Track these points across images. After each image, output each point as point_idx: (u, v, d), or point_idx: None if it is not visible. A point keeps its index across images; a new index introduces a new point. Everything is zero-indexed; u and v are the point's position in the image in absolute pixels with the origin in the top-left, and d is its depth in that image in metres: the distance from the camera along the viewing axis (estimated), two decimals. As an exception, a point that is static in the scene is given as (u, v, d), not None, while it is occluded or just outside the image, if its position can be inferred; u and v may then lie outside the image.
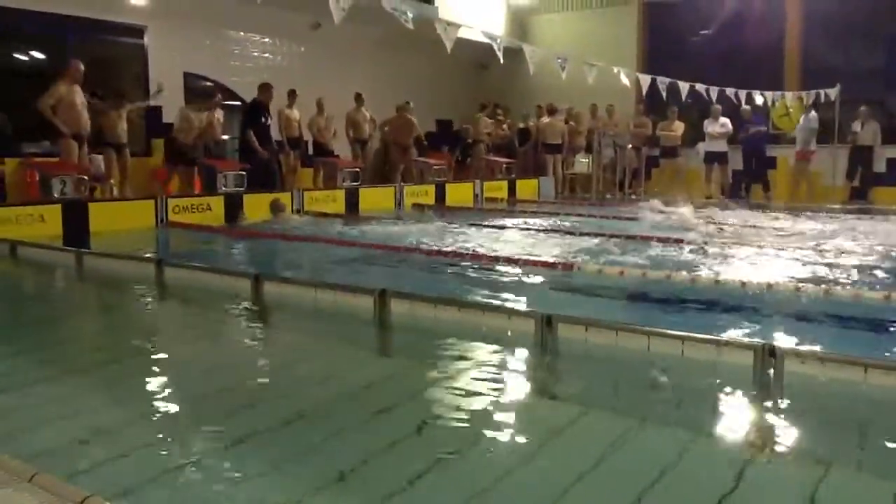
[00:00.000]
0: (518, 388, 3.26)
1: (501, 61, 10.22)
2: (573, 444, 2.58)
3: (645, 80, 12.34)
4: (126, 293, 5.47)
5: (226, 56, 12.67)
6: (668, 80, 12.37)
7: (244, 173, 10.17)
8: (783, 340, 3.69)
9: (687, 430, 2.73)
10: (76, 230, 8.07)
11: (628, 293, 5.25)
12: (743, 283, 5.02)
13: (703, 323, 4.24)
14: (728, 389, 3.09)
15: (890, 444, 2.61)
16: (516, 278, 5.69)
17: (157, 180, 10.96)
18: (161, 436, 2.58)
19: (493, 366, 3.46)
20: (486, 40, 10.15)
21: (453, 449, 2.47)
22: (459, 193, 12.99)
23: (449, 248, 6.94)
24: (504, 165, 14.38)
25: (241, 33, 12.90)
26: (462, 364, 3.55)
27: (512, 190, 13.93)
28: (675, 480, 2.25)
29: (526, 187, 14.23)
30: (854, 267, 5.99)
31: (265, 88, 10.88)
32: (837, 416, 2.94)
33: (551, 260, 6.14)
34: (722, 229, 8.55)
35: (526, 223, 9.49)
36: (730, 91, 13.09)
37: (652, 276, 5.37)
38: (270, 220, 9.31)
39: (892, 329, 4.14)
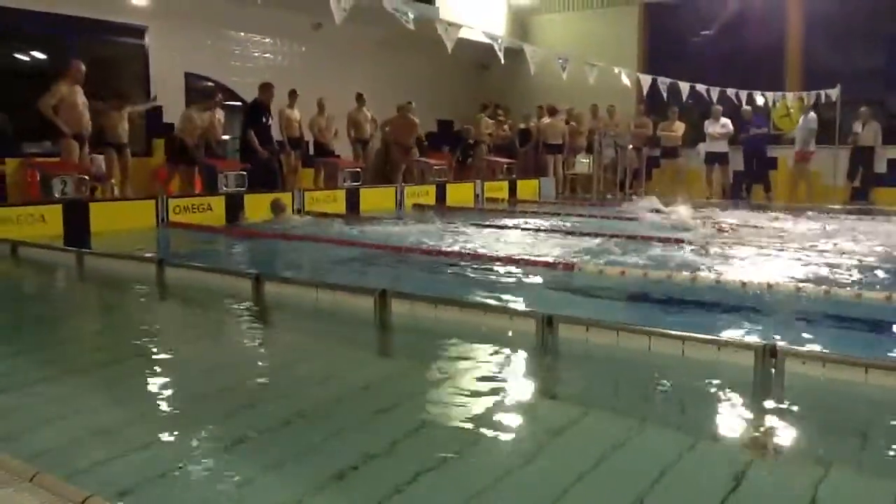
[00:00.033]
0: (519, 388, 3.26)
1: (502, 61, 10.22)
2: (574, 445, 2.58)
3: (646, 80, 12.34)
4: (127, 293, 5.47)
5: (227, 56, 12.68)
6: (668, 80, 12.37)
7: (245, 173, 10.18)
8: (784, 341, 3.68)
9: (687, 431, 2.73)
10: (77, 230, 8.07)
11: (629, 293, 5.25)
12: (743, 284, 5.01)
13: (704, 323, 4.24)
14: (729, 390, 3.09)
15: (890, 445, 2.61)
16: (517, 278, 5.69)
17: (158, 180, 10.96)
18: (161, 436, 2.58)
19: (494, 366, 3.46)
20: (486, 40, 10.16)
21: (453, 449, 2.46)
22: (460, 194, 12.99)
23: (449, 249, 6.94)
24: (505, 166, 14.38)
25: (242, 33, 12.91)
26: (462, 364, 3.56)
27: (513, 190, 13.93)
28: (676, 481, 2.25)
29: (527, 188, 14.23)
30: (855, 267, 5.99)
31: (266, 88, 10.88)
32: (838, 417, 2.94)
33: (552, 260, 6.14)
34: (722, 230, 8.54)
35: (527, 223, 9.49)
36: (731, 91, 13.09)
37: (653, 277, 5.37)
38: (271, 220, 9.31)
39: (892, 329, 4.13)
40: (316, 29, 13.11)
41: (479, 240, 7.84)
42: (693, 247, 7.02)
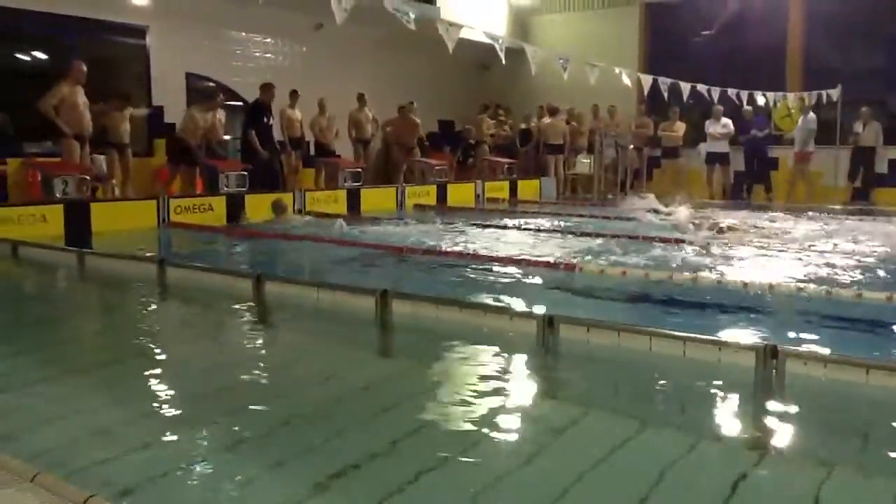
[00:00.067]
0: (519, 388, 3.26)
1: (503, 62, 10.21)
2: (574, 445, 2.58)
3: (646, 80, 12.33)
4: (127, 293, 5.48)
5: (228, 56, 12.68)
6: (669, 80, 12.36)
7: (246, 173, 10.18)
8: (785, 341, 3.67)
9: (688, 431, 2.73)
10: (78, 230, 8.07)
11: (630, 294, 5.25)
12: (745, 284, 5.01)
13: (705, 323, 4.24)
14: (729, 390, 3.09)
15: (891, 446, 2.61)
16: (518, 279, 5.69)
17: (160, 180, 10.96)
18: (161, 436, 2.58)
19: (495, 366, 3.46)
20: (487, 41, 10.15)
21: (454, 449, 2.46)
22: (461, 194, 13.00)
23: (450, 249, 6.94)
24: (505, 166, 14.38)
25: (243, 34, 12.91)
26: (463, 364, 3.56)
27: (513, 190, 13.93)
28: (677, 481, 2.24)
29: (527, 188, 14.23)
30: (856, 268, 5.98)
31: (267, 89, 10.89)
32: (839, 418, 2.93)
33: (553, 260, 6.14)
34: (721, 230, 8.53)
35: (527, 224, 9.49)
36: (731, 92, 13.08)
37: (654, 277, 5.37)
38: (272, 220, 9.32)
39: (893, 330, 4.13)
40: (317, 29, 13.12)
41: (480, 240, 7.83)
42: (694, 247, 7.01)
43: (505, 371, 3.41)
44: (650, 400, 3.09)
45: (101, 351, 3.99)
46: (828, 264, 6.13)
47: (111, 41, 11.53)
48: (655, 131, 14.90)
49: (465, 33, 9.23)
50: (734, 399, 3.05)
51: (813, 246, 7.22)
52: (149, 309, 5.06)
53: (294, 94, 11.98)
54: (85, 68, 9.12)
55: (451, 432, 2.65)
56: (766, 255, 6.72)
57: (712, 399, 3.05)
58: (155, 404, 3.00)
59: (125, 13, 11.22)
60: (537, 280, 5.60)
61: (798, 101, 13.77)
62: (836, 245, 7.34)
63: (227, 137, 11.85)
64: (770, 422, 2.83)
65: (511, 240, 8.02)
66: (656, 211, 10.50)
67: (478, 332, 3.89)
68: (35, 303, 5.52)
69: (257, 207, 9.64)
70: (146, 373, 3.42)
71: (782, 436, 2.72)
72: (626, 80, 12.35)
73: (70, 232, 8.00)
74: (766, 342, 3.26)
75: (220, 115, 11.03)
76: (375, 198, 11.55)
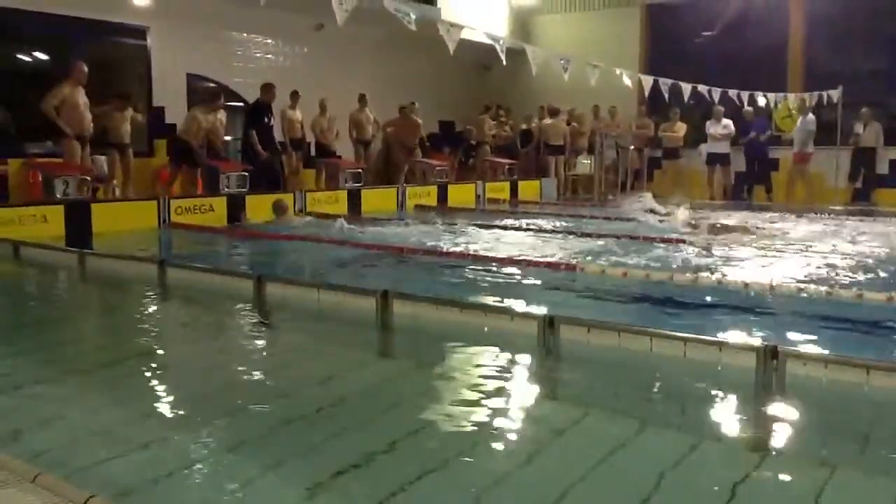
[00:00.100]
0: (520, 389, 3.26)
1: (504, 62, 10.21)
2: (575, 445, 2.58)
3: (647, 81, 12.32)
4: (128, 294, 5.48)
5: (228, 57, 12.68)
6: (670, 81, 12.34)
7: (246, 174, 10.18)
8: (785, 342, 3.68)
9: (689, 432, 2.73)
10: (79, 231, 8.07)
11: (631, 294, 5.24)
12: (745, 285, 5.01)
13: (706, 324, 4.24)
14: (730, 391, 3.09)
15: (892, 446, 2.61)
16: (518, 279, 5.69)
17: (160, 181, 10.97)
18: (161, 436, 2.58)
19: (495, 367, 3.46)
20: (488, 41, 10.15)
21: (455, 449, 2.46)
22: (461, 194, 12.99)
23: (451, 249, 6.94)
24: (506, 166, 14.38)
25: (244, 34, 12.92)
26: (464, 365, 3.56)
27: (514, 191, 13.92)
28: (677, 482, 2.24)
29: (528, 188, 14.23)
30: (856, 268, 5.98)
31: (268, 89, 10.88)
32: (839, 418, 2.93)
33: (554, 261, 6.14)
34: (720, 231, 8.52)
35: (528, 224, 9.49)
36: (732, 92, 13.05)
37: (655, 278, 5.36)
38: (273, 220, 9.32)
39: (894, 330, 4.13)
40: (318, 30, 13.12)
41: (481, 241, 7.83)
42: (695, 248, 7.01)
43: (505, 372, 3.41)
44: (651, 400, 3.09)
45: (102, 351, 3.99)
46: (828, 265, 6.13)
47: (112, 42, 11.55)
48: (656, 132, 14.91)
49: (465, 34, 9.23)
50: (735, 400, 3.05)
51: (813, 246, 7.22)
52: (149, 310, 5.07)
53: (295, 95, 11.98)
54: (86, 69, 9.12)
55: (452, 433, 2.65)
56: (766, 256, 6.71)
57: (713, 400, 3.05)
58: (155, 404, 3.00)
59: (126, 14, 11.22)
60: (538, 281, 5.60)
61: (799, 101, 13.76)
62: (836, 246, 7.33)
63: (227, 138, 11.85)
64: (770, 422, 2.83)
65: (512, 240, 8.02)
66: (653, 211, 10.48)
67: (478, 333, 3.89)
68: (36, 303, 5.52)
69: (258, 208, 9.64)
70: (147, 373, 3.42)
71: (783, 436, 2.72)
72: (627, 81, 12.34)
73: (71, 232, 8.00)
74: (766, 343, 3.26)
75: (221, 115, 11.03)
76: (376, 198, 11.55)
